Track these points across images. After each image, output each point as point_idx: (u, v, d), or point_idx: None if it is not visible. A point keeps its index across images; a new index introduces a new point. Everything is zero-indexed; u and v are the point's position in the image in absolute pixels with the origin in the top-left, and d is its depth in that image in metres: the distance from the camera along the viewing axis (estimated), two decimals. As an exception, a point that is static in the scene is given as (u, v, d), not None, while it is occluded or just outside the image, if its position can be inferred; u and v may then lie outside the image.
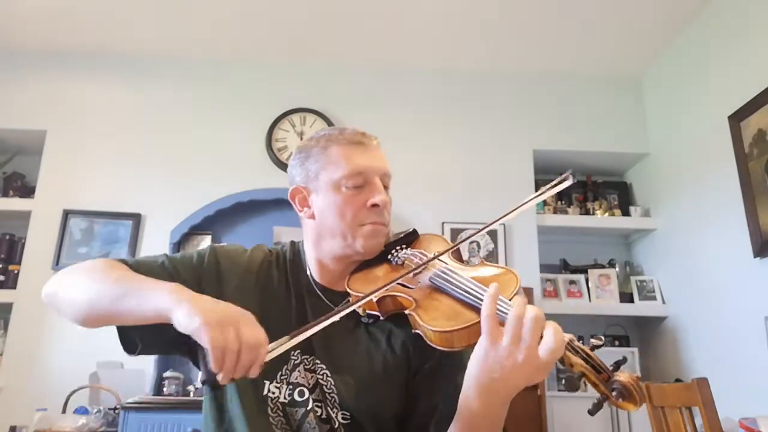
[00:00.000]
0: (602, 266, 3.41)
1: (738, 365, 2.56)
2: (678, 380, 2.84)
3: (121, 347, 0.97)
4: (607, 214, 3.42)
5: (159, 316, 0.81)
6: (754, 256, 2.48)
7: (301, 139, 3.29)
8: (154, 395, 2.78)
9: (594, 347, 0.75)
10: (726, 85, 2.74)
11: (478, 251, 3.18)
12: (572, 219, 3.39)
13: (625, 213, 3.44)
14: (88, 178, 3.19)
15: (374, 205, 0.98)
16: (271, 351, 0.78)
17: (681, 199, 3.11)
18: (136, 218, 3.13)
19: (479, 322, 0.77)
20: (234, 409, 0.95)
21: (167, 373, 2.84)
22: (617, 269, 3.38)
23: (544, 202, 3.44)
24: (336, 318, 0.85)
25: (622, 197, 3.56)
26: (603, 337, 0.76)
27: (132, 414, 2.39)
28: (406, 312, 0.89)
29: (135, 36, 3.27)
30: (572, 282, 3.32)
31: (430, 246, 1.03)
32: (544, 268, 3.28)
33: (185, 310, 0.78)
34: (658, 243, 3.32)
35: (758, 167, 2.48)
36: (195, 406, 2.56)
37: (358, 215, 0.98)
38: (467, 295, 0.84)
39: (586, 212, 3.48)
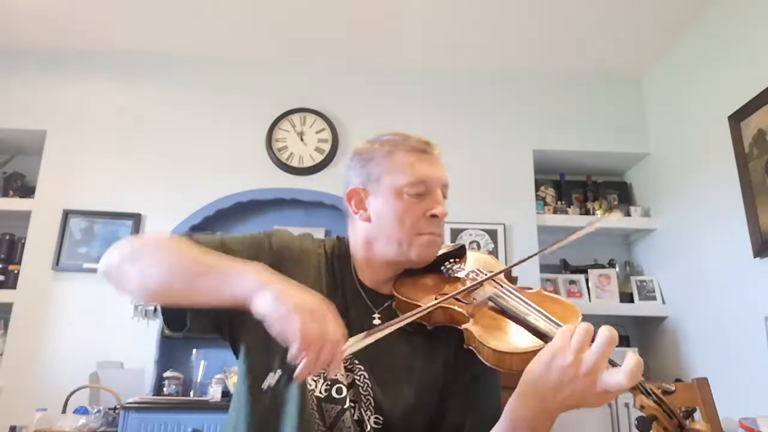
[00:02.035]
0: (602, 266, 3.41)
1: (738, 365, 2.56)
2: (678, 380, 2.84)
3: (164, 324, 0.95)
4: (607, 214, 3.42)
5: (237, 298, 0.78)
6: (754, 256, 2.47)
7: (302, 139, 3.30)
8: (154, 395, 2.78)
9: (666, 392, 0.74)
10: (726, 85, 2.74)
11: (478, 252, 3.17)
12: (572, 219, 3.38)
13: (625, 213, 3.44)
14: (88, 178, 3.19)
15: (434, 216, 0.98)
16: (347, 348, 0.77)
17: (681, 199, 3.11)
18: (136, 218, 3.13)
19: (542, 349, 0.76)
20: (268, 400, 0.92)
21: (167, 373, 2.84)
22: (617, 269, 3.38)
23: (544, 202, 3.44)
24: (409, 320, 0.85)
25: (622, 197, 3.56)
26: (674, 387, 0.74)
27: (132, 414, 2.39)
28: (461, 327, 0.88)
29: (135, 36, 3.27)
30: (572, 282, 3.32)
31: (481, 264, 1.03)
32: (544, 268, 3.28)
33: (272, 296, 0.75)
34: (658, 243, 3.32)
35: (758, 167, 2.48)
36: (195, 406, 2.57)
37: (417, 224, 0.98)
38: (532, 320, 0.83)
39: (586, 212, 3.47)
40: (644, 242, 3.47)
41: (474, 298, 0.92)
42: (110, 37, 3.28)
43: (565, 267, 3.45)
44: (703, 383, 1.69)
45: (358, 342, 0.78)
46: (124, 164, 3.22)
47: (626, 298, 3.25)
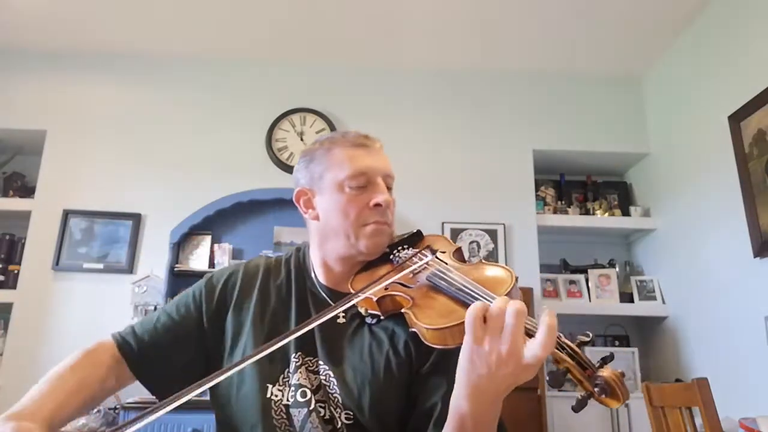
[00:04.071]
0: (602, 266, 3.41)
1: (738, 365, 2.56)
2: (678, 380, 2.84)
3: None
4: (607, 214, 3.43)
5: None
6: (754, 256, 2.48)
7: (302, 139, 3.30)
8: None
9: (581, 343, 0.74)
10: (726, 85, 2.74)
11: (479, 251, 3.18)
12: (572, 219, 3.39)
13: (625, 213, 3.44)
14: (88, 178, 3.19)
15: (377, 205, 1.00)
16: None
17: (681, 199, 3.11)
18: (136, 218, 3.13)
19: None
20: (237, 414, 0.97)
21: (167, 373, 2.84)
22: (617, 269, 3.38)
23: (544, 202, 3.44)
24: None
25: (622, 197, 3.56)
26: (590, 334, 0.74)
27: (132, 414, 2.39)
28: (403, 311, 0.90)
29: (135, 36, 3.27)
30: (572, 282, 3.32)
31: (432, 246, 1.03)
32: (544, 268, 3.28)
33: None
34: (658, 243, 3.32)
35: (758, 167, 2.48)
36: (195, 406, 2.57)
37: (361, 215, 1.00)
38: (461, 293, 0.84)
39: (586, 212, 3.48)
40: (644, 242, 3.47)
41: (417, 281, 0.93)
42: (110, 38, 3.28)
43: (565, 267, 3.45)
44: (703, 383, 1.69)
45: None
46: (124, 164, 3.23)
47: (626, 298, 3.25)
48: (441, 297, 0.88)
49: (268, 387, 0.95)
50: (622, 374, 0.70)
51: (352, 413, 0.93)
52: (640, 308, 3.22)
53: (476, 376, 0.75)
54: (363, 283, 0.98)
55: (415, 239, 1.08)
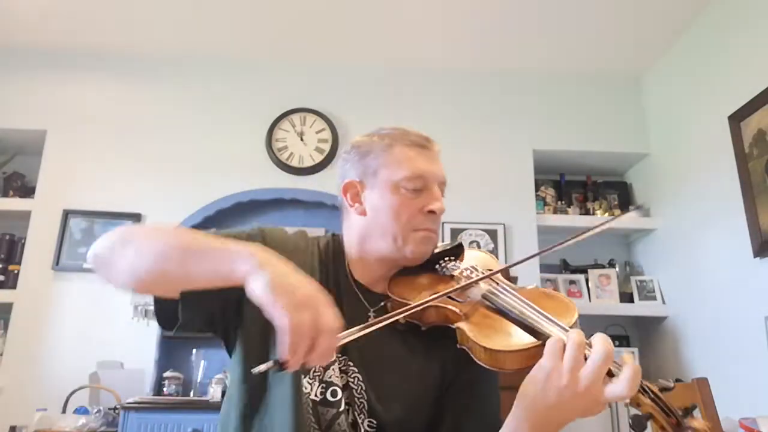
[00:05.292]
0: (602, 266, 3.41)
1: (738, 365, 2.56)
2: (678, 380, 2.84)
3: (157, 322, 0.92)
4: (607, 214, 3.42)
5: (232, 279, 0.74)
6: (754, 256, 2.47)
7: (302, 139, 3.30)
8: (154, 395, 2.78)
9: (663, 389, 0.73)
10: (726, 85, 2.74)
11: (478, 250, 3.17)
12: (572, 219, 3.38)
13: (625, 213, 3.43)
14: (88, 178, 3.19)
15: (431, 212, 0.96)
16: (342, 338, 0.73)
17: (681, 199, 3.11)
18: (136, 218, 3.13)
19: (536, 347, 0.75)
20: (273, 401, 0.90)
21: (167, 373, 2.84)
22: (617, 269, 3.38)
23: (544, 202, 3.44)
24: (399, 317, 0.83)
25: (622, 197, 3.55)
26: (673, 383, 0.74)
27: (132, 414, 2.39)
28: (454, 326, 0.86)
29: (135, 36, 3.27)
30: (572, 282, 3.32)
31: (478, 262, 1.01)
32: (544, 268, 3.28)
33: (264, 281, 0.70)
34: (658, 243, 3.32)
35: (758, 167, 2.48)
36: (195, 406, 2.57)
37: (413, 219, 0.96)
38: (526, 317, 0.81)
39: (586, 212, 3.47)
40: (644, 242, 3.47)
41: (468, 297, 0.90)
42: (110, 37, 3.28)
43: (565, 267, 3.45)
44: (703, 383, 1.68)
45: (353, 333, 0.76)
46: (124, 164, 3.22)
47: (626, 298, 3.25)
48: (498, 317, 0.85)
49: (301, 377, 0.90)
50: (711, 427, 0.71)
51: (375, 422, 0.90)
52: (640, 308, 3.22)
53: (545, 406, 0.73)
54: (403, 287, 0.95)
55: (457, 251, 1.04)
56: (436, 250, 1.02)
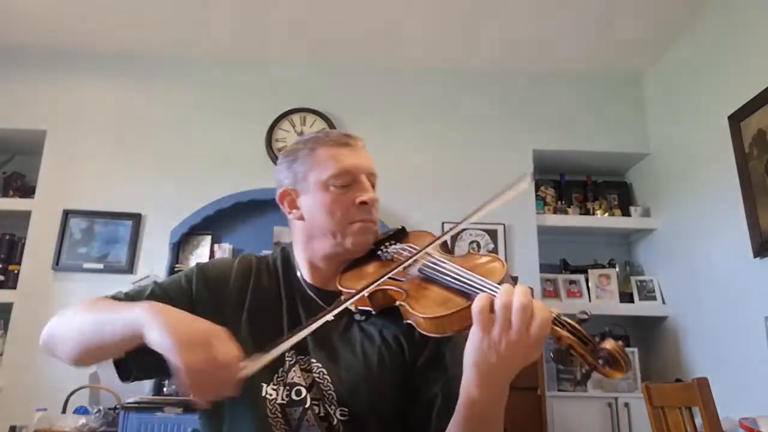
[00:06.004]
0: (602, 266, 3.41)
1: (738, 365, 2.56)
2: (678, 380, 2.84)
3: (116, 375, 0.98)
4: (607, 214, 3.42)
5: (136, 337, 0.80)
6: (754, 256, 2.48)
7: (301, 139, 3.29)
8: (154, 395, 2.78)
9: (580, 321, 0.76)
10: (726, 85, 2.74)
11: (479, 251, 3.18)
12: (572, 219, 3.38)
13: (625, 213, 3.43)
14: (88, 178, 3.19)
15: (362, 203, 1.01)
16: (247, 368, 0.76)
17: (681, 199, 3.11)
18: (136, 218, 3.13)
19: (469, 306, 0.77)
20: (233, 413, 0.96)
21: (167, 373, 2.83)
22: (617, 269, 3.38)
23: (544, 202, 3.44)
24: (329, 317, 0.86)
25: (622, 197, 3.56)
26: (588, 312, 0.77)
27: (132, 414, 2.39)
28: (397, 303, 0.91)
29: (135, 36, 3.28)
30: (572, 282, 3.32)
31: (418, 241, 1.05)
32: (544, 268, 3.28)
33: (158, 330, 0.77)
34: (658, 243, 3.32)
35: (758, 167, 2.48)
36: (195, 406, 2.57)
37: (347, 213, 1.01)
38: (455, 281, 0.86)
39: (586, 212, 3.47)
40: (644, 242, 3.47)
41: (409, 275, 0.94)
42: (110, 37, 3.28)
43: (565, 267, 3.45)
44: (703, 383, 1.69)
45: (260, 361, 0.79)
46: (124, 164, 3.23)
47: (626, 298, 3.25)
48: (435, 287, 0.90)
49: (262, 386, 0.95)
50: (623, 345, 0.73)
51: (347, 410, 0.94)
52: (640, 308, 3.22)
53: (487, 365, 0.77)
54: (351, 280, 0.99)
55: (400, 236, 1.09)
56: (380, 238, 1.07)
